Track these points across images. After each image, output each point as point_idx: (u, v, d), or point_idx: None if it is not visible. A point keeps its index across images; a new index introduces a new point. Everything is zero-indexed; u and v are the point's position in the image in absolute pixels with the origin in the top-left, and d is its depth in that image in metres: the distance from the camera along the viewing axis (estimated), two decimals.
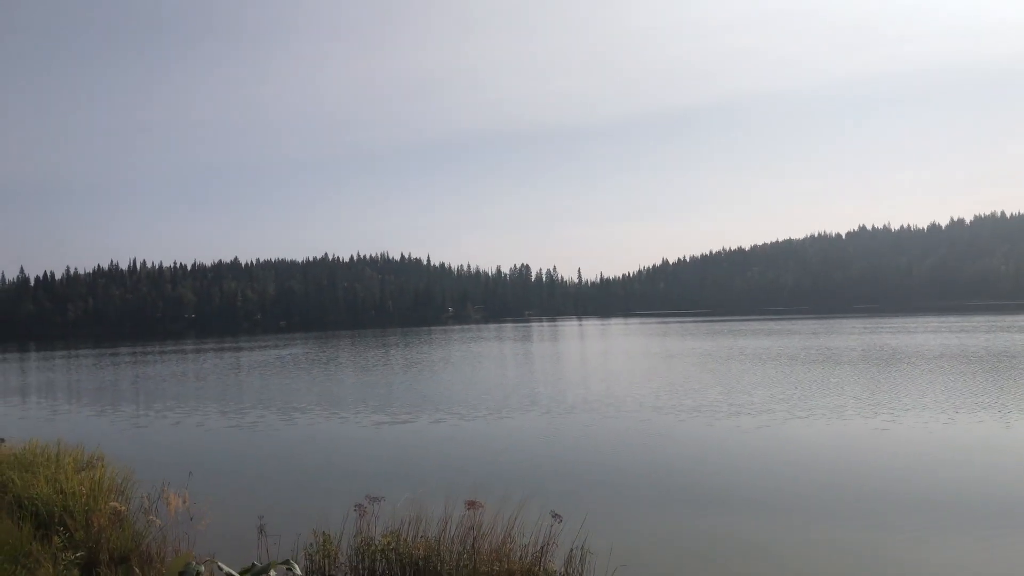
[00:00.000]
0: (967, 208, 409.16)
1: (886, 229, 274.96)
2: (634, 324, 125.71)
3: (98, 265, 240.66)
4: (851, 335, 65.29)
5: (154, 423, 25.11)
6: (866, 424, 19.96)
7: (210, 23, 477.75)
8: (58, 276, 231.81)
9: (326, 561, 9.27)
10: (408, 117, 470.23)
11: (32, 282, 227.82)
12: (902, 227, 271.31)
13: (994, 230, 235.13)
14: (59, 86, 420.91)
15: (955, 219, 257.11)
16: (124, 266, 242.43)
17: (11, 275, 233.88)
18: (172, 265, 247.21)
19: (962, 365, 34.88)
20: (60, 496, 11.31)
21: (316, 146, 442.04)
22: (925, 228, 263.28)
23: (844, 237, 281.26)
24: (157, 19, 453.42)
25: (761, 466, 15.54)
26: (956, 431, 18.60)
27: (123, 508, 10.44)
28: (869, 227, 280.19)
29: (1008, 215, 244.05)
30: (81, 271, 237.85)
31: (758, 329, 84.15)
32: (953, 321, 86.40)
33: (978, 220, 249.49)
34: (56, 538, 9.64)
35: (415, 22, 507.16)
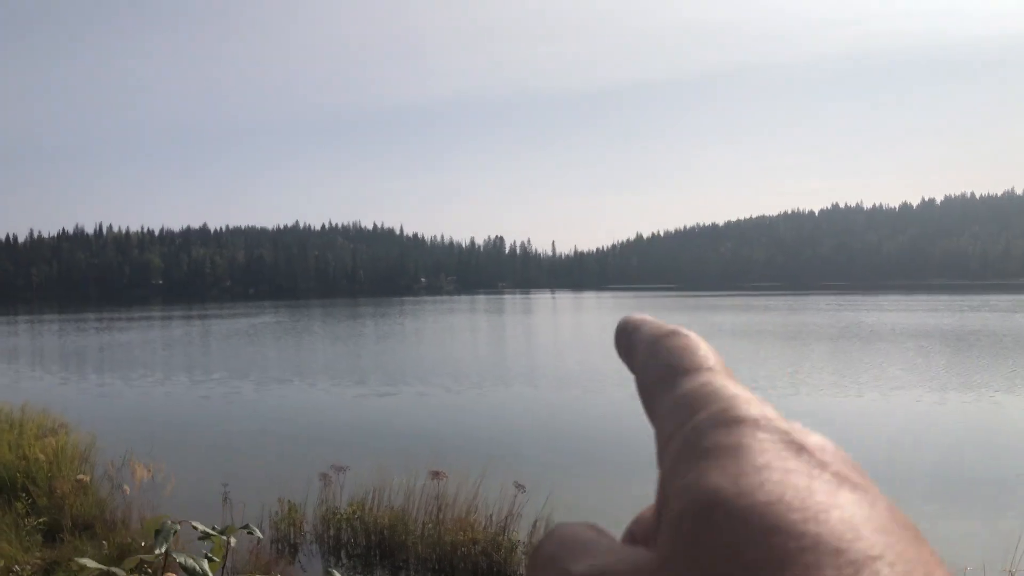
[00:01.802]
0: (938, 188, 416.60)
1: (858, 207, 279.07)
2: (607, 298, 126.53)
3: (63, 229, 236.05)
4: (825, 312, 66.41)
5: (120, 391, 24.87)
6: (852, 401, 20.28)
7: None
8: (21, 239, 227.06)
9: (291, 529, 9.36)
10: (383, 83, 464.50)
11: None
12: (874, 205, 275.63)
13: (964, 211, 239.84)
14: (24, 47, 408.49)
15: (926, 199, 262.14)
16: (90, 230, 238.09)
17: None
18: (139, 230, 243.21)
19: (943, 343, 35.67)
20: (23, 462, 11.24)
21: (288, 112, 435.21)
22: (896, 207, 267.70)
23: (816, 214, 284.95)
24: None
25: None
26: (947, 409, 18.99)
27: (86, 477, 10.41)
28: (842, 205, 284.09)
29: (978, 196, 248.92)
30: (45, 234, 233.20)
31: (733, 304, 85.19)
32: (924, 300, 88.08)
33: (948, 200, 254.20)
34: (19, 504, 9.61)
35: None
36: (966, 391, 21.18)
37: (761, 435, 0.24)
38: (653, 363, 0.34)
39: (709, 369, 0.32)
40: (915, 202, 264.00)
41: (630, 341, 0.37)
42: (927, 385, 22.34)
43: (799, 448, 0.26)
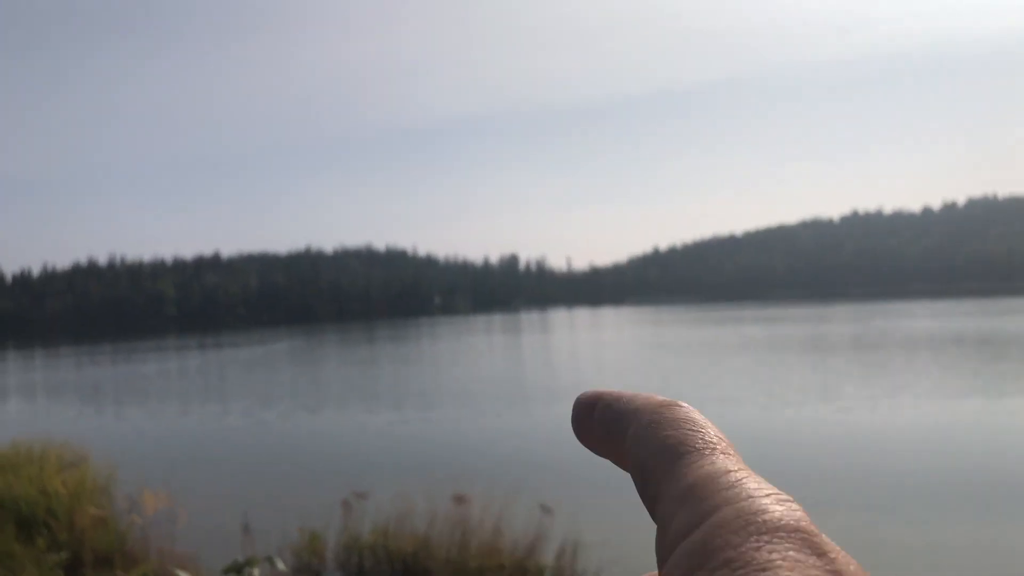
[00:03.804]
0: (960, 191, 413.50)
1: (879, 213, 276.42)
2: (625, 313, 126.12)
3: (76, 261, 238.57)
4: (854, 321, 65.67)
5: (138, 422, 24.88)
6: (871, 412, 19.98)
7: (183, 13, 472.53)
8: (35, 273, 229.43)
9: (313, 558, 9.19)
10: (390, 104, 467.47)
11: (9, 279, 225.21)
12: (895, 210, 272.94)
13: (988, 212, 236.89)
14: (33, 79, 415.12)
15: (948, 202, 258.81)
16: (103, 261, 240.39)
17: None
18: (152, 260, 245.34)
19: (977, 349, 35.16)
20: (43, 497, 11.16)
21: (296, 136, 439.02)
22: (918, 211, 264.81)
23: (837, 221, 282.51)
24: (128, 9, 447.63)
25: (757, 454, 15.54)
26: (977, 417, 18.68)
27: (105, 512, 10.31)
28: (861, 211, 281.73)
29: (1001, 197, 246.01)
30: (59, 267, 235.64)
31: (758, 316, 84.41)
32: (953, 305, 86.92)
33: (971, 203, 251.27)
34: (40, 539, 9.51)
35: (393, 4, 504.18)
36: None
37: (790, 552, 0.23)
38: (653, 440, 0.31)
39: (720, 451, 0.30)
40: (937, 205, 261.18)
41: (615, 415, 0.34)
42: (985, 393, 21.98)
43: (830, 571, 0.25)
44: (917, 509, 11.25)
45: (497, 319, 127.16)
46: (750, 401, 22.09)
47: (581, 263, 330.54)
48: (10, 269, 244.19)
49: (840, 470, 13.81)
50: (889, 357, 32.59)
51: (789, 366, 31.00)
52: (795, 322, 67.01)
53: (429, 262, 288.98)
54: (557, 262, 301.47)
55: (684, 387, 25.84)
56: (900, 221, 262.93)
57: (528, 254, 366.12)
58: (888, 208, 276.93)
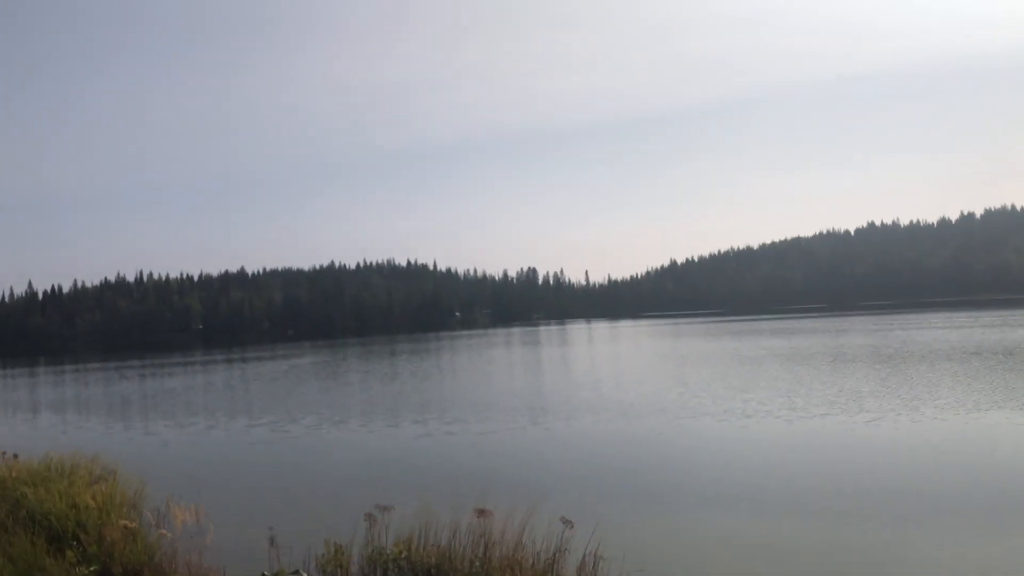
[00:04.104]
0: (977, 202, 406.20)
1: (895, 225, 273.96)
2: (644, 326, 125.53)
3: (105, 277, 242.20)
4: (873, 332, 64.93)
5: (165, 435, 25.21)
6: (896, 425, 19.76)
7: (210, 26, 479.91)
8: (66, 289, 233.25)
9: (339, 571, 9.28)
10: (412, 120, 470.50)
11: (40, 296, 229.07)
12: (912, 222, 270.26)
13: (1005, 223, 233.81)
14: (60, 97, 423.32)
15: (965, 213, 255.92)
16: (131, 278, 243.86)
17: (19, 290, 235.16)
18: (179, 276, 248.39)
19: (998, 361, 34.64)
20: (73, 510, 11.36)
21: (319, 153, 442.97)
22: (935, 223, 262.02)
23: (853, 233, 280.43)
24: (152, 26, 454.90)
25: (779, 468, 15.44)
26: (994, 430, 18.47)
27: (134, 525, 10.47)
28: (878, 223, 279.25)
29: (1019, 208, 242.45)
30: (88, 284, 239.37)
31: (776, 328, 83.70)
32: (974, 316, 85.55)
33: (989, 214, 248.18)
34: (70, 552, 9.68)
35: (412, 22, 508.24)
36: None
37: None
38: None
39: None
40: (954, 216, 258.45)
41: None
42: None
43: None
44: (948, 524, 11.14)
45: (516, 332, 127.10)
46: (774, 414, 21.93)
47: (599, 276, 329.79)
48: (41, 286, 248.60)
49: (870, 482, 13.68)
50: (912, 369, 32.17)
51: (811, 378, 30.69)
52: (814, 334, 66.34)
53: (449, 276, 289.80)
54: (575, 275, 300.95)
55: (706, 400, 25.71)
56: (917, 233, 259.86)
57: (547, 268, 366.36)
58: (905, 220, 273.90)
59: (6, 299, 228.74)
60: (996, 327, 59.81)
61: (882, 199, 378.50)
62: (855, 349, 45.91)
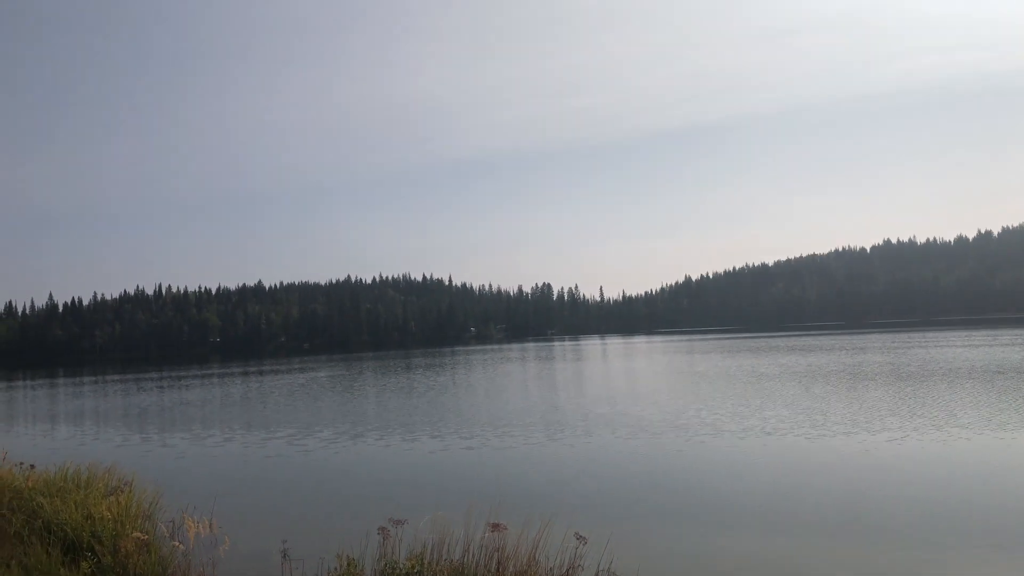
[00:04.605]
0: (995, 220, 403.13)
1: (912, 242, 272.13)
2: (658, 342, 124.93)
3: (124, 290, 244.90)
4: (891, 350, 64.29)
5: (182, 447, 25.32)
6: (920, 444, 19.49)
7: (231, 46, 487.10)
8: (85, 302, 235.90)
9: None
10: (429, 138, 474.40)
11: (60, 308, 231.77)
12: (928, 240, 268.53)
13: (1022, 241, 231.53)
14: (83, 115, 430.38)
15: (982, 231, 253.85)
16: (150, 291, 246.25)
17: (40, 302, 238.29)
18: (197, 289, 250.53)
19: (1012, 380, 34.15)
20: (88, 521, 11.40)
21: (337, 169, 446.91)
22: (952, 241, 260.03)
23: (869, 251, 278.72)
24: (176, 44, 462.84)
25: (799, 486, 15.25)
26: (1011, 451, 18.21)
27: (148, 537, 10.49)
28: (894, 240, 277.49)
29: None
30: (108, 297, 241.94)
31: (792, 345, 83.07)
32: (993, 335, 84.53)
33: (1006, 232, 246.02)
34: (84, 563, 9.71)
35: (431, 41, 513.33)
36: None
37: None
38: None
39: None
40: (971, 235, 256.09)
41: None
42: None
43: None
44: (973, 547, 10.94)
45: (531, 348, 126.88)
46: (794, 432, 21.70)
47: (614, 292, 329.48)
48: (62, 299, 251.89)
49: (893, 502, 13.47)
50: (934, 387, 31.76)
51: (831, 396, 30.38)
52: (831, 352, 65.73)
53: (465, 291, 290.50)
54: (590, 292, 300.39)
55: (724, 417, 25.49)
56: (934, 250, 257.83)
57: (562, 284, 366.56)
58: (922, 237, 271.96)
59: (27, 311, 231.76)
60: (1018, 346, 58.99)
61: (898, 216, 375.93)
62: (874, 367, 45.41)
